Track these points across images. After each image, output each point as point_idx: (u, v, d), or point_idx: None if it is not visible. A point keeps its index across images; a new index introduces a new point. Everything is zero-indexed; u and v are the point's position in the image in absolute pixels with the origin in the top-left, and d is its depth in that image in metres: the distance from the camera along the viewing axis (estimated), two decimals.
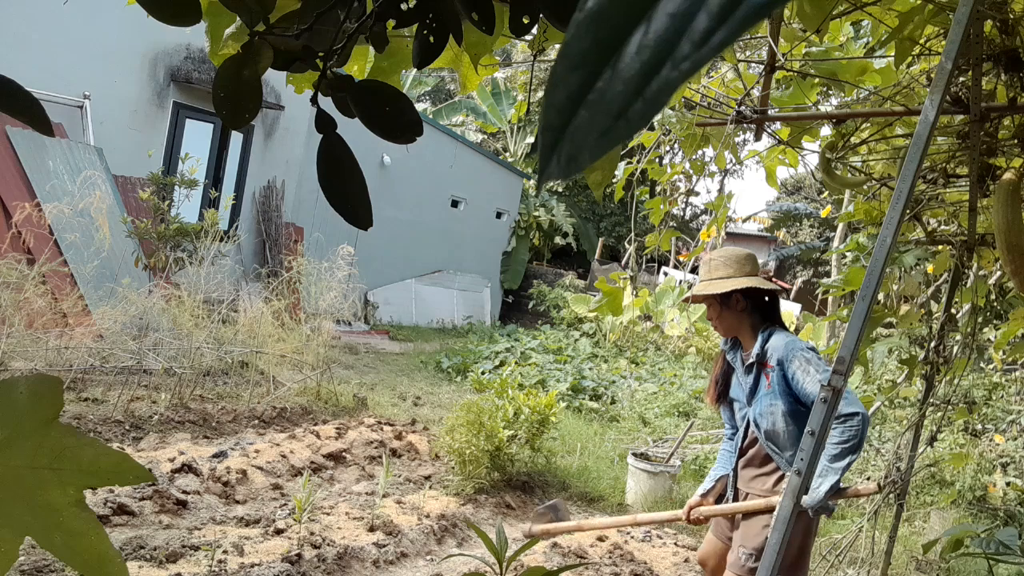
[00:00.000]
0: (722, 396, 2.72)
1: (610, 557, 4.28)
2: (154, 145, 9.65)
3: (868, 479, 6.28)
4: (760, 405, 2.51)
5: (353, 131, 0.99)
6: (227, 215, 9.97)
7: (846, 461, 2.25)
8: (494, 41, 1.42)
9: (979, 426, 7.47)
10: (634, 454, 5.65)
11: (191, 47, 9.85)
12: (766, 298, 2.61)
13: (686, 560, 4.36)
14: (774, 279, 22.29)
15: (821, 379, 2.30)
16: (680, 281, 13.92)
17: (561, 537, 4.48)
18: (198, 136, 10.29)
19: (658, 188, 3.99)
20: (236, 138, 10.92)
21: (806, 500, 2.30)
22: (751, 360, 2.53)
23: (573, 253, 19.94)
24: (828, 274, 15.76)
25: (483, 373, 8.73)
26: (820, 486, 2.26)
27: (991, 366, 7.85)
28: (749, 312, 2.57)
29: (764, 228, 25.86)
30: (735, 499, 2.63)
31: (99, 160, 8.36)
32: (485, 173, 16.12)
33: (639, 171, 3.55)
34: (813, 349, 2.43)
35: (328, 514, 4.27)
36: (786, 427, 2.44)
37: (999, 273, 3.79)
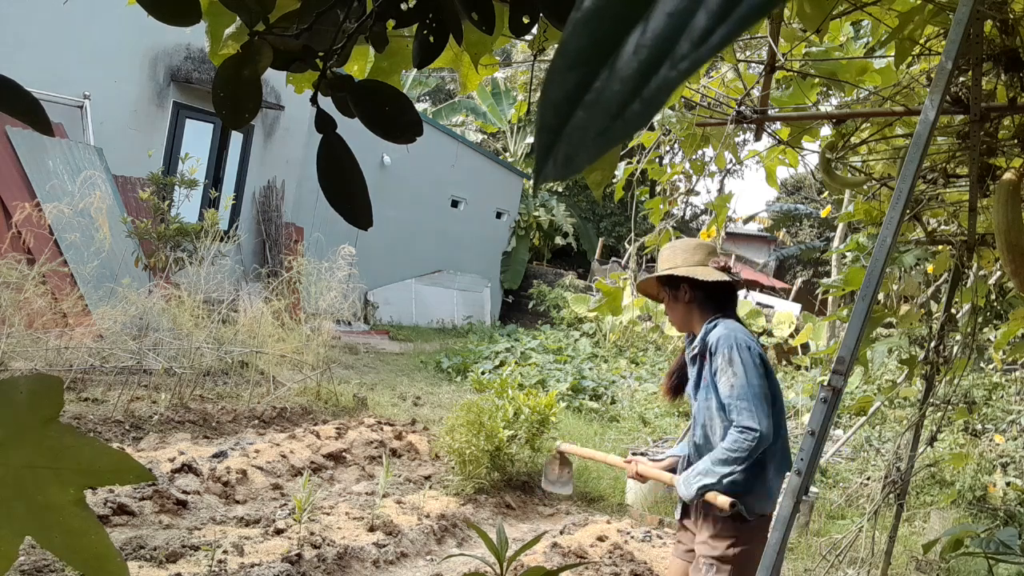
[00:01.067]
0: (676, 390, 2.64)
1: (610, 557, 4.28)
2: (154, 145, 9.65)
3: (868, 479, 6.28)
4: (700, 399, 2.41)
5: (353, 131, 0.99)
6: (227, 215, 9.97)
7: (728, 469, 2.20)
8: (494, 41, 1.42)
9: (979, 426, 7.47)
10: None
11: (191, 47, 9.84)
12: (726, 290, 2.47)
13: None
14: (772, 278, 22.30)
15: (734, 384, 2.20)
16: None
17: (561, 537, 4.48)
18: (198, 136, 10.29)
19: (658, 188, 3.99)
20: (236, 138, 10.92)
21: (681, 490, 2.31)
22: (694, 351, 2.43)
23: (573, 253, 19.94)
24: (828, 274, 15.76)
25: (483, 373, 8.73)
26: (697, 483, 2.24)
27: (991, 366, 7.85)
28: (699, 304, 2.44)
29: (764, 228, 25.86)
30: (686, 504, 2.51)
31: (99, 160, 8.36)
32: (485, 173, 16.12)
33: (639, 171, 3.55)
34: (751, 348, 2.28)
35: (328, 514, 4.27)
36: (720, 423, 2.33)
37: (999, 273, 3.79)
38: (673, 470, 2.59)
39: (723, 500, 2.21)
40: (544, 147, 0.30)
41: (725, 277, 2.39)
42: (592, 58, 0.28)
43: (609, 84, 0.28)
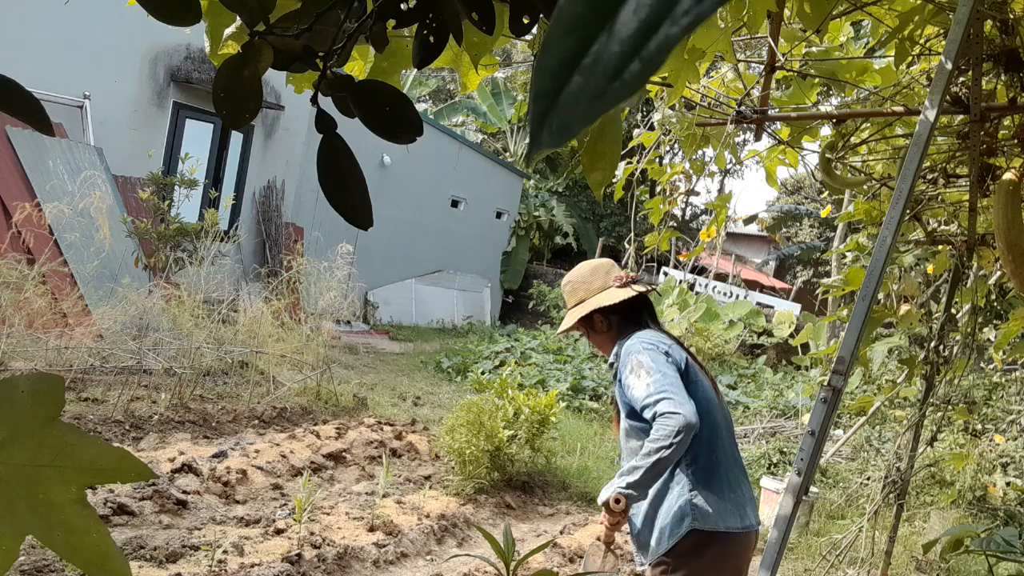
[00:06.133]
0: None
1: None
2: (154, 145, 9.66)
3: (868, 479, 6.28)
4: (622, 422, 2.25)
5: (353, 131, 0.99)
6: (227, 215, 9.97)
7: (652, 460, 1.94)
8: (494, 41, 1.42)
9: (979, 426, 7.47)
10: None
11: (191, 47, 9.85)
12: (640, 303, 2.34)
13: None
14: (772, 278, 22.30)
15: (649, 383, 2.01)
16: (680, 281, 13.93)
17: (561, 537, 4.48)
18: (198, 136, 10.29)
19: (658, 188, 3.99)
20: (236, 138, 10.92)
21: (601, 495, 2.06)
22: (614, 373, 2.27)
23: (573, 253, 19.94)
24: (828, 274, 15.76)
25: (483, 373, 8.72)
26: (618, 483, 2.01)
27: (991, 366, 7.85)
28: (618, 327, 2.32)
29: (764, 228, 25.88)
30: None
31: (99, 160, 8.36)
32: (485, 173, 16.13)
33: (639, 171, 3.55)
34: (656, 347, 2.12)
35: (328, 514, 4.27)
36: (636, 441, 2.15)
37: (999, 273, 3.79)
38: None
39: (613, 499, 2.00)
40: (539, 115, 0.29)
41: (631, 293, 2.28)
42: (590, 22, 0.28)
43: (608, 46, 0.28)
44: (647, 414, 2.01)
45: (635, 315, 2.33)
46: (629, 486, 1.98)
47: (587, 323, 2.36)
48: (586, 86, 0.28)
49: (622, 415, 2.24)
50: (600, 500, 2.07)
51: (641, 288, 2.31)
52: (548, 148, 0.30)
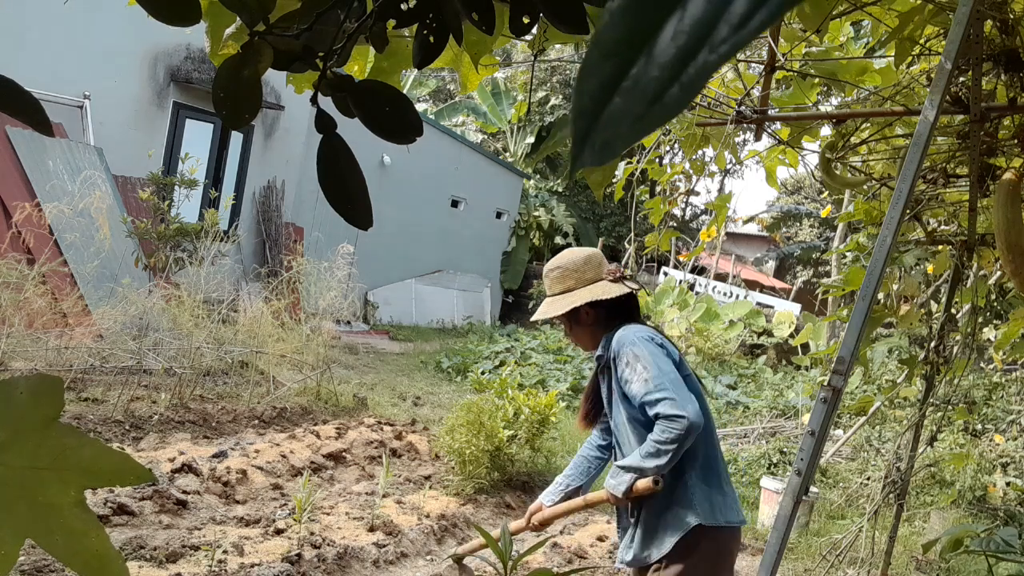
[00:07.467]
0: (593, 416, 2.42)
1: (610, 557, 4.28)
2: (154, 145, 9.65)
3: (868, 479, 6.29)
4: (614, 416, 2.22)
5: (353, 131, 0.99)
6: (227, 215, 9.97)
7: (658, 462, 1.96)
8: (494, 41, 1.42)
9: (979, 426, 7.47)
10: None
11: (191, 47, 9.84)
12: (628, 298, 2.28)
13: None
14: (772, 278, 22.29)
15: (648, 378, 1.99)
16: (680, 281, 13.92)
17: (561, 537, 4.48)
18: (198, 136, 10.29)
19: (658, 188, 3.99)
20: (236, 138, 10.92)
21: (609, 483, 2.08)
22: (600, 365, 2.24)
23: None
24: (828, 274, 15.78)
25: (483, 373, 8.73)
26: (628, 478, 2.03)
27: (991, 366, 7.85)
28: (603, 320, 2.25)
29: (764, 228, 25.88)
30: (620, 516, 2.29)
31: (99, 160, 8.36)
32: (485, 173, 16.12)
33: (639, 171, 3.55)
34: (652, 340, 2.09)
35: (328, 514, 4.27)
36: (628, 438, 2.16)
37: (999, 273, 3.79)
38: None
39: (644, 482, 2.01)
40: (580, 134, 0.30)
41: (624, 289, 2.22)
42: (629, 46, 0.29)
43: (647, 70, 0.29)
44: (648, 411, 1.99)
45: (623, 309, 2.27)
46: (634, 480, 2.01)
47: (571, 314, 2.26)
48: (627, 108, 0.29)
49: (616, 409, 2.22)
50: (620, 491, 2.03)
51: (633, 285, 2.27)
52: (589, 166, 0.31)
